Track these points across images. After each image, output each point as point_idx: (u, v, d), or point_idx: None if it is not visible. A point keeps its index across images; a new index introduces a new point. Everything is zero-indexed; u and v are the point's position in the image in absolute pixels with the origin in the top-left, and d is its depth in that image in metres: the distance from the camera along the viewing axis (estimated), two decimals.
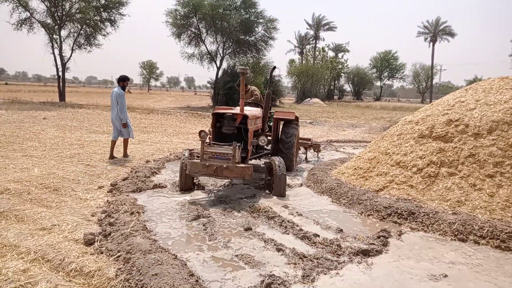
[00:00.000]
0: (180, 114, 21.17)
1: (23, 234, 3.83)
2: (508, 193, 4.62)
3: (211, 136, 6.04)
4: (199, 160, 5.28)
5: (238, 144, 5.23)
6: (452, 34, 66.66)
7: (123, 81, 8.15)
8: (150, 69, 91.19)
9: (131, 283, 2.96)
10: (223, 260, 3.52)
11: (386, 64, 71.33)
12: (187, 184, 5.77)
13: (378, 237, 4.15)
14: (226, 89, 28.30)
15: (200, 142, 5.40)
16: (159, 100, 40.49)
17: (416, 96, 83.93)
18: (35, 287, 2.86)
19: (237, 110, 6.26)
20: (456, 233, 4.29)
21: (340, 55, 72.20)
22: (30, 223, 4.18)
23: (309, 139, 9.58)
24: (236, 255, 3.61)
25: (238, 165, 5.16)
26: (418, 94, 78.84)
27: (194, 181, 6.05)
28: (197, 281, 2.98)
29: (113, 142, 8.11)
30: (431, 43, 67.73)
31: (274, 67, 7.90)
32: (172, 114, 20.92)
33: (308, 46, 71.07)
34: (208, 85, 36.98)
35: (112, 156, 8.06)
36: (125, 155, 8.26)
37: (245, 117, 5.97)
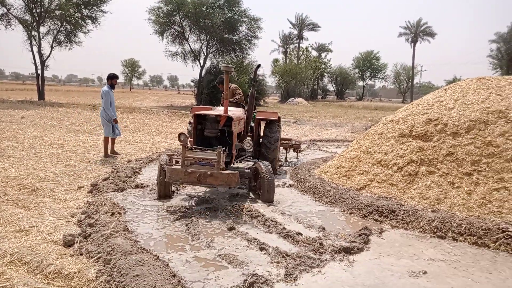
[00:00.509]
0: (163, 113, 20.95)
1: None
2: (484, 190, 4.74)
3: (191, 139, 5.67)
4: (180, 166, 4.90)
5: (223, 148, 4.94)
6: (432, 35, 68.04)
7: (111, 79, 8.33)
8: (132, 67, 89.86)
9: (111, 285, 2.92)
10: (206, 260, 3.50)
11: (368, 64, 72.25)
12: (166, 192, 5.40)
13: (360, 235, 4.21)
14: (209, 88, 28.16)
15: (180, 145, 5.14)
16: (142, 99, 39.97)
17: (397, 96, 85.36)
18: None
19: (220, 111, 5.91)
20: (435, 230, 4.39)
21: (323, 55, 72.87)
22: (6, 224, 4.06)
23: (289, 139, 9.28)
24: (219, 255, 3.60)
25: (223, 171, 4.84)
26: (399, 94, 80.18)
27: (173, 188, 5.71)
28: (179, 281, 2.95)
29: (106, 139, 8.32)
30: (412, 44, 69.03)
31: (259, 65, 7.39)
32: (154, 113, 20.68)
33: (291, 46, 71.43)
34: (192, 84, 36.72)
35: (112, 151, 8.43)
36: (106, 155, 8.16)
37: (230, 119, 5.59)
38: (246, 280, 3.08)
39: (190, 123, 6.98)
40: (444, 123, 5.68)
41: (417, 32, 67.98)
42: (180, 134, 5.21)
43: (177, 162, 5.32)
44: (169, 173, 4.82)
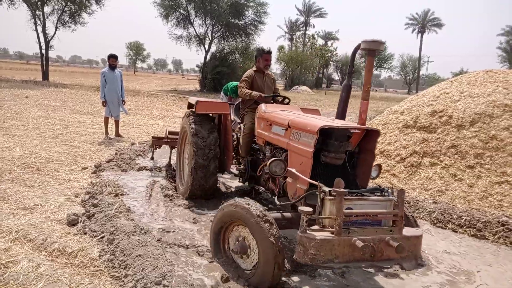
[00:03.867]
0: (166, 97, 20.91)
1: (4, 213, 3.77)
2: (486, 184, 4.75)
3: (305, 170, 3.06)
4: (333, 235, 2.51)
5: (392, 190, 2.90)
6: (440, 25, 67.25)
7: (108, 59, 8.32)
8: (136, 50, 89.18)
9: (114, 264, 2.97)
10: (208, 244, 3.54)
11: None
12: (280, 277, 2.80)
13: None
14: (214, 74, 28.04)
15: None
16: (146, 82, 39.85)
17: (403, 87, 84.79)
18: (16, 266, 2.84)
19: (343, 121, 3.90)
20: (435, 221, 4.41)
21: (329, 43, 72.03)
22: (11, 202, 4.11)
23: None
24: None
25: (409, 234, 2.72)
26: (405, 85, 79.60)
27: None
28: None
29: (105, 119, 8.38)
30: (419, 34, 68.21)
31: (359, 45, 3.83)
32: (158, 97, 20.64)
33: (298, 33, 70.78)
34: (196, 68, 36.53)
35: (117, 134, 8.51)
36: (106, 134, 8.27)
37: (374, 134, 3.21)
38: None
39: (187, 115, 4.77)
40: (449, 115, 5.66)
41: (425, 23, 67.10)
42: (275, 162, 3.12)
43: (302, 221, 2.54)
44: (315, 249, 2.47)
